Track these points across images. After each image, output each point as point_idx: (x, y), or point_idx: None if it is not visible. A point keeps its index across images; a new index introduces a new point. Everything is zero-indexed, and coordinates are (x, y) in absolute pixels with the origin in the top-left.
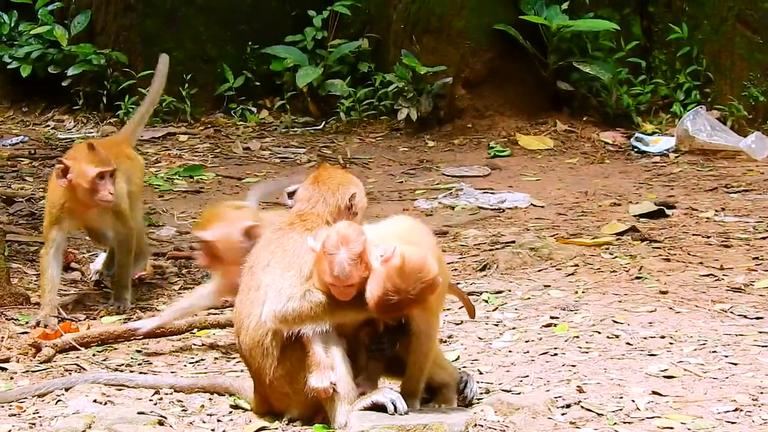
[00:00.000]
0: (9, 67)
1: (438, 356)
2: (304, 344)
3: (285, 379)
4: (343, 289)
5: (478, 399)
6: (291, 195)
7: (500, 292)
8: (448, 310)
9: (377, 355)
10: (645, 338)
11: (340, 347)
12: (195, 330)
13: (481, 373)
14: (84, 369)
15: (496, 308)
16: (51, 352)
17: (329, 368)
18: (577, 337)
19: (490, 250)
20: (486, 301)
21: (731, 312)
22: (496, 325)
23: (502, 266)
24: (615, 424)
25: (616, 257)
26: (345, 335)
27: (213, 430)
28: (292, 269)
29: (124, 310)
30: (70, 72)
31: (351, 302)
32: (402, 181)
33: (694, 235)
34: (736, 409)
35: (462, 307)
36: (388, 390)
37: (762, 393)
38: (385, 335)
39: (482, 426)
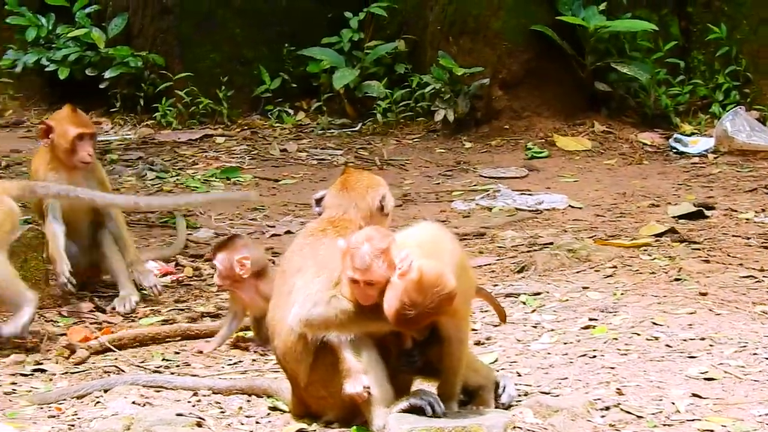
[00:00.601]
0: (47, 69)
1: (470, 359)
2: (335, 349)
3: (320, 383)
4: (363, 287)
5: (517, 401)
6: (318, 202)
7: (538, 293)
8: (486, 311)
9: (408, 368)
10: (685, 340)
11: (373, 350)
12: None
13: (519, 375)
14: (122, 371)
15: (534, 310)
16: (85, 354)
17: (362, 373)
18: (616, 339)
19: (528, 251)
20: (524, 303)
21: None
22: (535, 327)
23: (540, 268)
24: (655, 426)
25: (654, 259)
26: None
27: (251, 431)
28: (322, 275)
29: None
30: (108, 74)
31: (376, 312)
32: (439, 183)
33: (733, 236)
34: None
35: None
36: (426, 392)
37: None
38: (415, 348)
39: (521, 428)
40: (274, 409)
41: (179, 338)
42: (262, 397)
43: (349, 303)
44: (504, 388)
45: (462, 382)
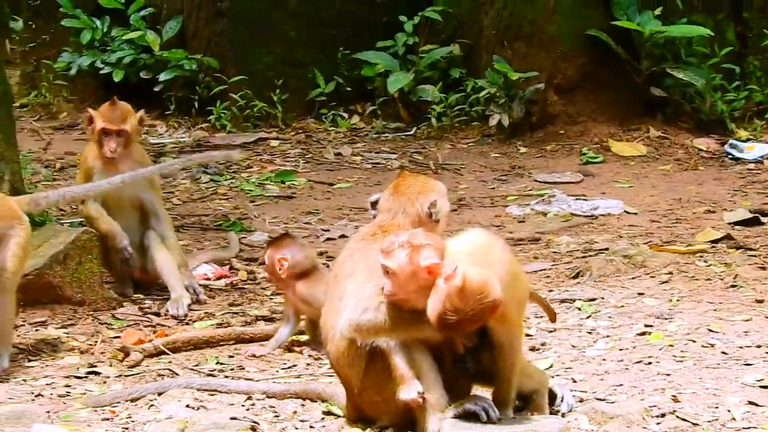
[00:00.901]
0: (101, 72)
1: (524, 365)
2: (387, 355)
3: (373, 389)
4: (396, 287)
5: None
6: (374, 205)
7: (593, 299)
8: (541, 317)
9: (461, 374)
10: (741, 347)
11: (427, 355)
12: None
13: (574, 381)
14: (176, 374)
15: (590, 316)
16: (139, 357)
17: (414, 379)
18: (672, 345)
19: (583, 257)
20: (579, 309)
21: None
22: (590, 332)
23: (595, 273)
24: None
25: (710, 265)
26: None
27: None
28: (372, 280)
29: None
30: (162, 77)
31: (425, 318)
32: (494, 188)
33: None
34: None
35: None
36: (480, 397)
37: None
38: (467, 353)
39: None
40: (328, 413)
41: (233, 342)
42: (316, 401)
43: (397, 309)
44: (562, 397)
45: (516, 389)
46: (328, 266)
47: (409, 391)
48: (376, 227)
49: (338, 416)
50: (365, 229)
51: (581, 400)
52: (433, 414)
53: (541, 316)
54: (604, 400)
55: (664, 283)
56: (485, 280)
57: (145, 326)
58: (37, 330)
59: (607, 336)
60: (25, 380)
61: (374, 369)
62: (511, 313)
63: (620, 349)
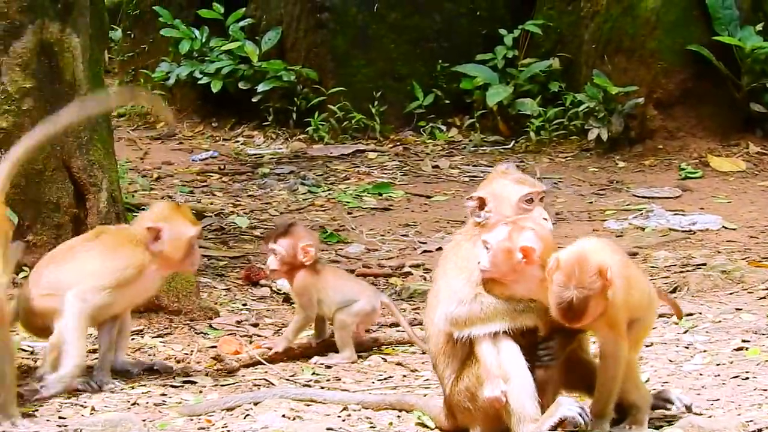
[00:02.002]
0: (200, 82)
1: (635, 375)
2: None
3: (465, 394)
4: (491, 264)
5: (668, 422)
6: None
7: (691, 314)
8: None
9: (547, 360)
10: None
11: (520, 359)
12: (382, 347)
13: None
14: (272, 384)
15: (687, 331)
16: (235, 366)
17: (500, 378)
18: None
19: (681, 272)
20: (676, 324)
21: None
22: (687, 347)
23: (692, 288)
24: None
25: None
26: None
27: None
28: (464, 273)
29: None
30: (260, 88)
31: (522, 305)
32: (592, 202)
33: None
34: None
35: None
36: (570, 401)
37: None
38: (553, 337)
39: None
40: (421, 425)
41: (329, 352)
42: (411, 412)
43: (493, 299)
44: (677, 399)
45: (615, 401)
46: (424, 278)
47: (493, 388)
48: (471, 229)
49: (431, 429)
50: (459, 234)
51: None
52: (526, 424)
53: None
54: (700, 414)
55: (762, 298)
56: (580, 253)
57: (241, 336)
58: (133, 339)
59: (705, 351)
60: (121, 389)
61: (469, 373)
62: (620, 319)
63: (717, 364)
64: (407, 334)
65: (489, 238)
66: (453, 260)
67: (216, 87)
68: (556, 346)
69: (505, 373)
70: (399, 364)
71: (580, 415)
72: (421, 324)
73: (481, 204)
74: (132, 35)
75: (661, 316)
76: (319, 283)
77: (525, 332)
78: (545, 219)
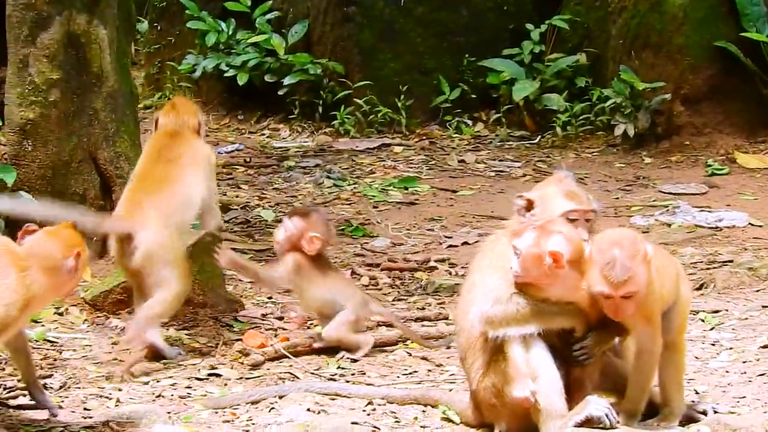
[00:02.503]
0: (226, 75)
1: (680, 377)
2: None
3: (491, 390)
4: (522, 270)
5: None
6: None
7: (717, 311)
8: None
9: (582, 360)
10: None
11: (548, 357)
12: (407, 342)
13: (697, 393)
14: (297, 377)
15: (713, 328)
16: (260, 359)
17: (529, 377)
18: None
19: (707, 269)
20: (702, 321)
21: None
22: (713, 344)
23: (719, 285)
24: None
25: None
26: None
27: None
28: (501, 271)
29: None
30: (287, 81)
31: (557, 307)
32: (618, 197)
33: None
34: None
35: None
36: (598, 400)
37: None
38: (588, 336)
39: None
40: (447, 420)
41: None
42: (436, 407)
43: (529, 300)
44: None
45: (647, 399)
46: (450, 273)
47: (522, 388)
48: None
49: (456, 423)
50: (501, 229)
51: (704, 412)
52: (553, 421)
53: None
54: (727, 413)
55: None
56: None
57: (267, 329)
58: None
59: (731, 348)
60: (146, 381)
61: (496, 369)
62: (655, 311)
63: (743, 362)
64: (408, 335)
65: (518, 243)
66: (490, 256)
67: (242, 80)
68: (592, 346)
69: (533, 370)
70: (424, 358)
71: (607, 416)
72: (446, 318)
73: (529, 205)
74: (158, 27)
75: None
76: (311, 274)
77: (561, 332)
78: (584, 240)
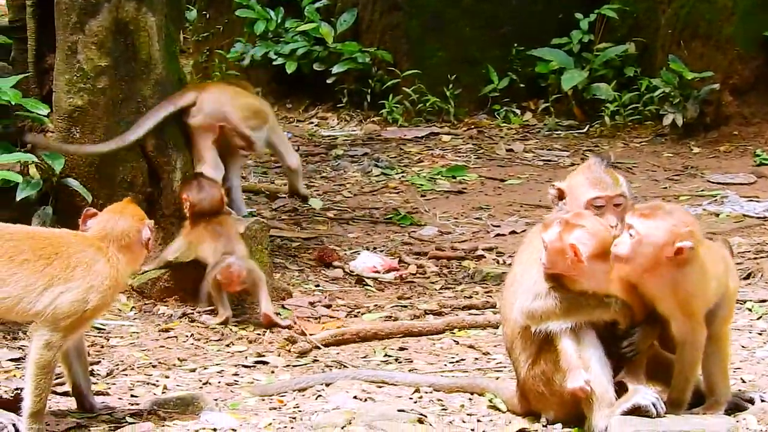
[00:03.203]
0: (274, 63)
1: (725, 365)
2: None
3: (540, 379)
4: (548, 261)
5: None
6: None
7: (764, 301)
8: None
9: (630, 355)
10: None
11: (598, 348)
12: (454, 330)
13: (743, 382)
14: (344, 365)
15: (760, 317)
16: (307, 347)
17: (581, 368)
18: None
19: (755, 258)
20: (750, 310)
21: None
22: (760, 334)
23: (766, 275)
24: None
25: None
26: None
27: (473, 429)
28: (540, 264)
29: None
30: (335, 69)
31: (595, 300)
32: (666, 187)
33: None
34: None
35: None
36: (647, 390)
37: None
38: (634, 330)
39: None
40: (493, 408)
41: (401, 335)
42: (483, 395)
43: (565, 293)
44: (760, 398)
45: (693, 388)
46: (497, 262)
47: (576, 379)
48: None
49: (503, 412)
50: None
51: (750, 401)
52: (600, 409)
53: None
54: None
55: None
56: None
57: (314, 318)
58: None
59: None
60: (194, 369)
61: (545, 358)
62: (695, 307)
63: None
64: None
65: (545, 236)
66: (530, 249)
67: (291, 68)
68: (639, 341)
69: (585, 361)
70: (471, 347)
71: (654, 405)
72: (493, 307)
73: (560, 195)
74: (207, 15)
75: None
76: (191, 235)
77: (607, 325)
78: (612, 226)
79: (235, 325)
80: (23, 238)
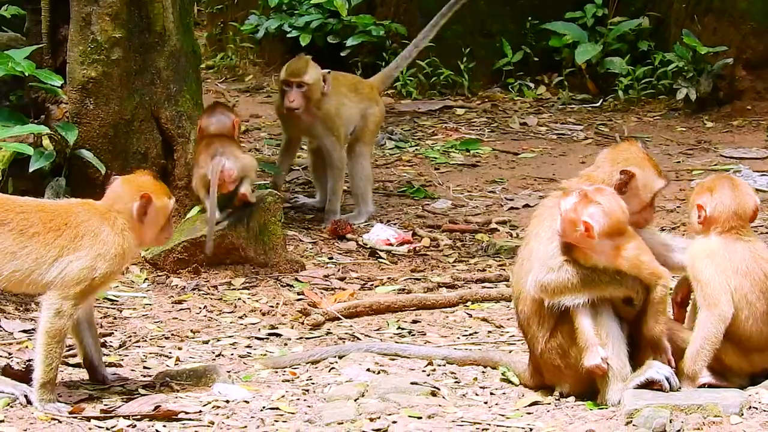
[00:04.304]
0: (289, 35)
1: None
2: (573, 319)
3: (556, 352)
4: (561, 230)
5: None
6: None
7: None
8: None
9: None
10: None
11: (614, 323)
12: (468, 303)
13: None
14: (357, 338)
15: None
16: (320, 319)
17: (598, 345)
18: None
19: None
20: None
21: None
22: None
23: None
24: None
25: None
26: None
27: (486, 402)
28: (555, 240)
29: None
30: (349, 42)
31: (608, 276)
32: (679, 161)
33: None
34: None
35: None
36: (660, 365)
37: None
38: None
39: (757, 408)
40: (506, 381)
41: (415, 308)
42: (496, 368)
43: (578, 267)
44: None
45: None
46: (511, 235)
47: (593, 356)
48: (568, 189)
49: (516, 385)
50: (558, 192)
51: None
52: (614, 383)
53: None
54: None
55: None
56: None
57: (328, 290)
58: (218, 290)
59: None
60: (206, 341)
61: (561, 332)
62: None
63: None
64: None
65: (562, 204)
66: (546, 222)
67: (305, 41)
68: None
69: (602, 338)
70: (484, 319)
71: (668, 379)
72: (507, 280)
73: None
74: None
75: None
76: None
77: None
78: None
79: (249, 297)
80: (33, 211)
